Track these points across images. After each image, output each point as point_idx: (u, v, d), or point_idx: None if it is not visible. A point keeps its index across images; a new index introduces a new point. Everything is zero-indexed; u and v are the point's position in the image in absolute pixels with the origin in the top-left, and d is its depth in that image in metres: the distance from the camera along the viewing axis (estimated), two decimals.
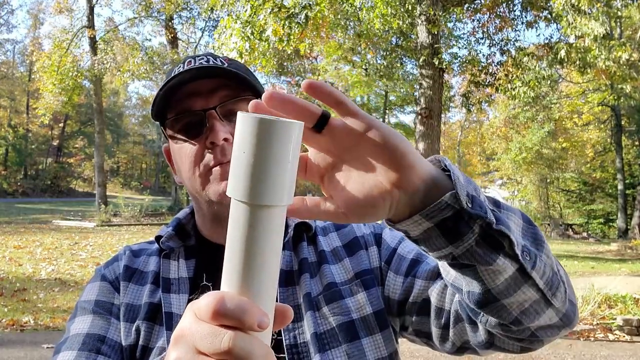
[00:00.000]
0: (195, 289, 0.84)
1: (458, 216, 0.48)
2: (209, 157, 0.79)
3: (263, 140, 0.38)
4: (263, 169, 0.39)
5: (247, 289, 0.40)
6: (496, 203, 0.55)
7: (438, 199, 0.47)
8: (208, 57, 0.84)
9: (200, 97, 0.80)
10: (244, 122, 0.39)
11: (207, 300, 0.38)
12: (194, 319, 0.39)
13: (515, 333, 0.63)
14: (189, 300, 0.81)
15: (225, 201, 0.79)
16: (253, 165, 0.39)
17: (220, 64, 0.83)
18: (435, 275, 0.77)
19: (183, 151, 0.82)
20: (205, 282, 0.84)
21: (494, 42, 12.67)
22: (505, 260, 0.53)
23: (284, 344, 0.77)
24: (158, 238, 0.88)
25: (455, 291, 0.64)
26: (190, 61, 0.83)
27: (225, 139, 0.78)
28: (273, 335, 0.76)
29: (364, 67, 18.04)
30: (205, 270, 0.85)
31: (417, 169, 0.47)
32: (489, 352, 0.72)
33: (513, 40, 12.39)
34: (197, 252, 0.88)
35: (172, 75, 0.81)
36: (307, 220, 0.86)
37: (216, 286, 0.82)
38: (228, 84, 0.81)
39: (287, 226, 0.85)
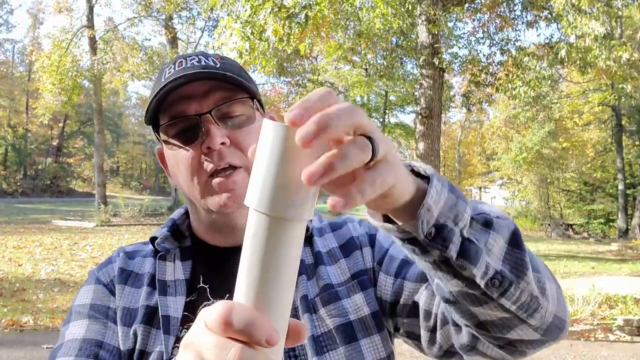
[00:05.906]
0: (192, 291, 0.82)
1: (417, 240, 0.50)
2: (206, 164, 0.77)
3: (292, 151, 0.37)
4: (289, 182, 0.37)
5: (260, 303, 0.39)
6: (487, 223, 0.54)
7: (403, 218, 0.49)
8: (199, 57, 0.81)
9: (193, 100, 0.77)
10: (273, 130, 0.37)
11: (217, 310, 0.38)
12: (204, 328, 0.39)
13: (492, 338, 0.62)
14: (186, 303, 0.80)
15: (224, 211, 0.78)
16: (278, 177, 0.37)
17: (212, 64, 0.80)
18: (425, 277, 0.75)
19: (179, 157, 0.79)
20: (202, 284, 0.82)
21: (495, 41, 12.68)
22: (464, 283, 0.53)
23: None
24: (153, 239, 0.86)
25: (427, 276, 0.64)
26: (182, 62, 0.80)
27: (223, 143, 0.76)
28: None
29: (364, 67, 18.06)
30: (202, 271, 0.84)
31: (398, 194, 0.46)
32: (472, 355, 0.71)
33: (513, 40, 12.39)
34: (193, 253, 0.86)
35: (164, 78, 0.78)
36: None
37: (213, 288, 0.82)
38: (222, 86, 0.78)
39: None
